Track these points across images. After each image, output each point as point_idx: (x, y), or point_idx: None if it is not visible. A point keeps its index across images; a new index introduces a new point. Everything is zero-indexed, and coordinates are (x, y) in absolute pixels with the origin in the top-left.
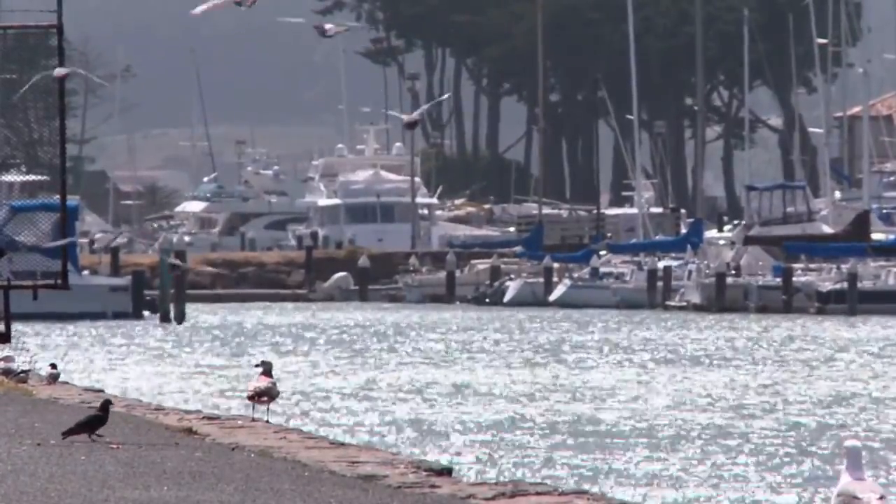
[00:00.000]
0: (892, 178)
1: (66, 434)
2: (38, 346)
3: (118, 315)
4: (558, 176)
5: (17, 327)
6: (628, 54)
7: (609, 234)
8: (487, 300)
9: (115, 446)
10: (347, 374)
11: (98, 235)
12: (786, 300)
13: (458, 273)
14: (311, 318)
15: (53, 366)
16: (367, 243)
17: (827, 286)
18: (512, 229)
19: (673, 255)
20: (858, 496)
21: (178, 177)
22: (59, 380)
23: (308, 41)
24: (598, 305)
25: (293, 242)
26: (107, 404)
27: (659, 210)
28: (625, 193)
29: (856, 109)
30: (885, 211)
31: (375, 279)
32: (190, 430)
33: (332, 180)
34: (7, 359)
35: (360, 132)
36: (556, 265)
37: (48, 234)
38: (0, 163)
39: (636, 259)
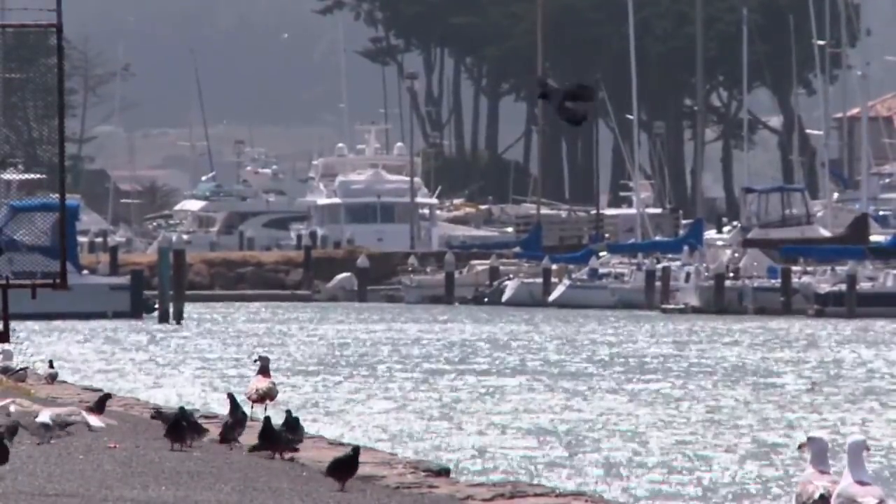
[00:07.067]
0: (887, 180)
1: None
2: (34, 343)
3: (118, 314)
4: (557, 176)
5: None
6: (628, 55)
7: (608, 235)
8: (486, 300)
9: (112, 445)
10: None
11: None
12: (784, 302)
13: (457, 274)
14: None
15: (51, 364)
16: (366, 243)
17: (825, 288)
18: (510, 230)
19: (672, 255)
20: (858, 500)
21: (177, 176)
22: (58, 379)
23: (307, 40)
24: (597, 306)
25: (294, 242)
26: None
27: (658, 211)
28: (623, 194)
29: (855, 111)
30: (881, 213)
31: (374, 279)
32: None
33: (332, 180)
34: (6, 354)
35: (360, 132)
36: (554, 266)
37: (47, 233)
38: None
39: (635, 260)
